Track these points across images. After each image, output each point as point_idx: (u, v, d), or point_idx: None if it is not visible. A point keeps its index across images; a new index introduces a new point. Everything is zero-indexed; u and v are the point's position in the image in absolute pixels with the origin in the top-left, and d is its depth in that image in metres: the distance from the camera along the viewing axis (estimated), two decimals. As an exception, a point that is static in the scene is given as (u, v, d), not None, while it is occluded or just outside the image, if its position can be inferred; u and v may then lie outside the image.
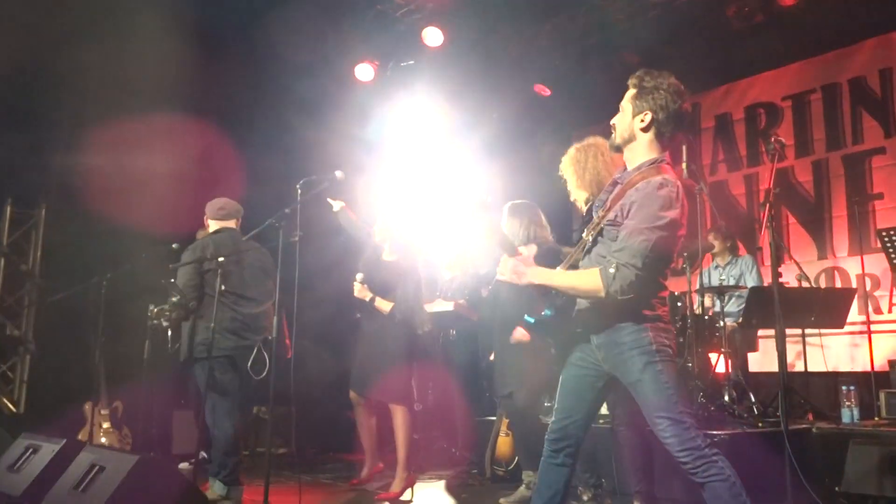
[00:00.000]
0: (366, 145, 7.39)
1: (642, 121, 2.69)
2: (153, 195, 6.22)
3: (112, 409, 6.10)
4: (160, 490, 3.18)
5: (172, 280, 4.31)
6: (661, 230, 2.54)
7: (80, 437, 5.88)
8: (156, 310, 4.30)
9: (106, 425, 6.04)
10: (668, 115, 2.67)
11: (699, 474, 2.50)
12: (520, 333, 4.19)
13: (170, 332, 4.48)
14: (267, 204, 5.10)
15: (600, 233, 2.71)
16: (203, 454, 5.78)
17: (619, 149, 2.80)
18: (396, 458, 4.78)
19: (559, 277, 2.67)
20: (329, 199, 5.11)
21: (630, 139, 2.74)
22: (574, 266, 2.77)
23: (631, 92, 2.74)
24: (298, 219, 3.81)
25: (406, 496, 4.73)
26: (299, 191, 3.85)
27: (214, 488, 4.35)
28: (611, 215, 2.66)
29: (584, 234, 2.79)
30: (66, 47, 5.98)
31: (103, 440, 5.94)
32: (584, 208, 3.76)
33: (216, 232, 4.71)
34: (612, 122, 2.80)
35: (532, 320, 2.75)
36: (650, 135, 2.70)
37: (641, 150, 2.72)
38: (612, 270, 2.53)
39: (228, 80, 6.78)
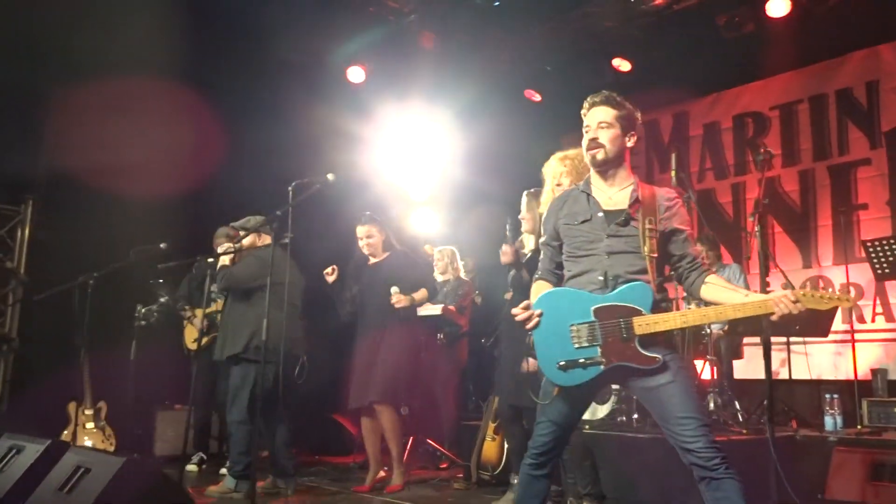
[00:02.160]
0: (357, 146, 7.37)
1: (630, 140, 2.88)
2: (141, 194, 6.18)
3: (96, 409, 6.05)
4: (146, 492, 3.15)
5: (161, 280, 4.31)
6: None
7: (63, 436, 5.84)
8: (144, 310, 4.30)
9: (90, 425, 5.99)
10: (638, 137, 2.93)
11: (719, 471, 2.55)
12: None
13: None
14: (256, 205, 5.13)
15: (658, 243, 2.76)
16: (202, 454, 5.88)
17: (603, 164, 2.85)
18: (391, 456, 4.95)
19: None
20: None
21: (620, 156, 2.88)
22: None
23: (613, 112, 2.87)
24: (290, 221, 3.81)
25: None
26: (291, 192, 3.84)
27: (226, 483, 4.63)
28: (664, 224, 2.79)
29: (604, 236, 2.81)
30: (52, 43, 5.96)
31: (87, 440, 5.89)
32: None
33: (267, 246, 4.68)
34: (595, 138, 2.85)
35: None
36: (628, 153, 2.91)
37: (625, 168, 2.90)
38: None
39: (219, 81, 6.75)
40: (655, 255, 2.72)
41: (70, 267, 5.55)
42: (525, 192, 4.42)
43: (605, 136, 2.83)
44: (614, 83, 7.19)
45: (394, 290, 4.87)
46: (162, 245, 5.23)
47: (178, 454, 6.15)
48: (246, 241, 4.74)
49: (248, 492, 4.57)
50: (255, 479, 4.64)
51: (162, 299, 4.23)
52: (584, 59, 7.27)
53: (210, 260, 4.25)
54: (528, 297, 2.92)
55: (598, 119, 2.86)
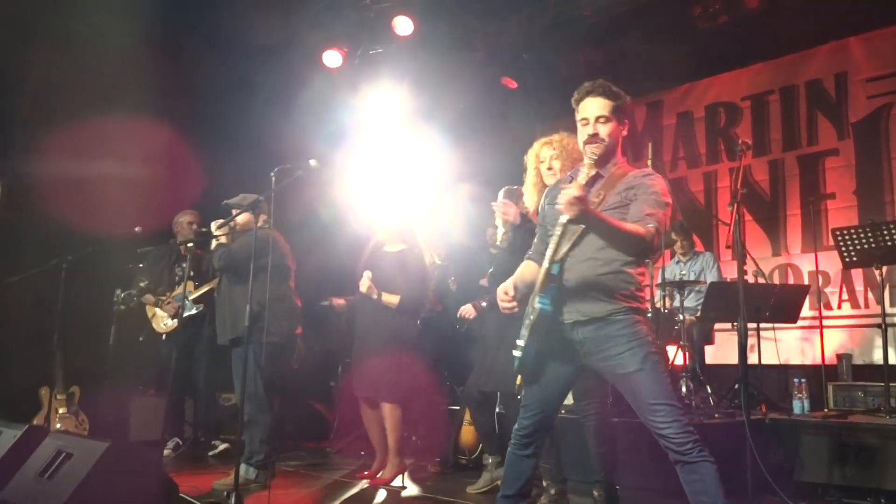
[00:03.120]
0: (332, 132, 7.34)
1: (624, 130, 2.92)
2: (116, 177, 6.10)
3: (69, 393, 5.99)
4: (131, 478, 3.15)
5: (141, 265, 4.26)
6: (665, 209, 2.76)
7: (35, 422, 5.78)
8: (123, 294, 4.25)
9: (62, 410, 5.94)
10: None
11: (692, 455, 2.62)
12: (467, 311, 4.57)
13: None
14: (229, 190, 5.08)
15: None
16: (177, 440, 5.84)
17: (602, 158, 2.83)
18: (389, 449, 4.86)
19: (611, 220, 2.65)
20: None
21: (616, 146, 2.91)
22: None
23: (611, 104, 2.85)
24: (272, 207, 3.80)
25: (397, 482, 4.78)
26: (273, 178, 3.83)
27: (244, 472, 4.47)
28: (613, 199, 2.79)
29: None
30: (26, 25, 5.84)
31: (59, 426, 5.84)
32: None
33: (263, 226, 4.49)
34: (595, 133, 2.83)
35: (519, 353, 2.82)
36: (621, 140, 2.93)
37: (614, 153, 2.91)
38: (652, 227, 2.67)
39: (193, 65, 6.67)
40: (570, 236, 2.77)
41: (42, 250, 5.48)
42: (504, 189, 4.51)
43: (605, 131, 2.83)
44: (589, 72, 7.25)
45: (367, 274, 4.79)
46: (137, 229, 5.19)
47: (153, 440, 6.16)
48: (240, 220, 4.59)
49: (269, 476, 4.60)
50: (274, 465, 4.73)
51: (142, 283, 4.19)
52: (561, 47, 7.30)
53: (190, 244, 4.19)
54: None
55: (597, 113, 2.83)
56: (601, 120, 2.83)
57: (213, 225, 4.57)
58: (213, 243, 4.58)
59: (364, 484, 4.82)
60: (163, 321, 6.02)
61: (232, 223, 4.50)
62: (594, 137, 2.82)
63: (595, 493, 3.71)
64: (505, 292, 2.87)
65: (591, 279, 2.75)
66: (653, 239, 2.67)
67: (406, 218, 5.03)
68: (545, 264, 2.75)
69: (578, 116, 2.90)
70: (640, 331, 2.74)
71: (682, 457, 2.64)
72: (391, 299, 4.74)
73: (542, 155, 3.74)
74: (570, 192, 2.52)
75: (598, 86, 2.86)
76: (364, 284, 4.77)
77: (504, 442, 3.05)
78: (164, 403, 4.47)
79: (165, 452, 5.85)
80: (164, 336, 6.00)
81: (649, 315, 5.38)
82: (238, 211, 4.40)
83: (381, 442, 4.98)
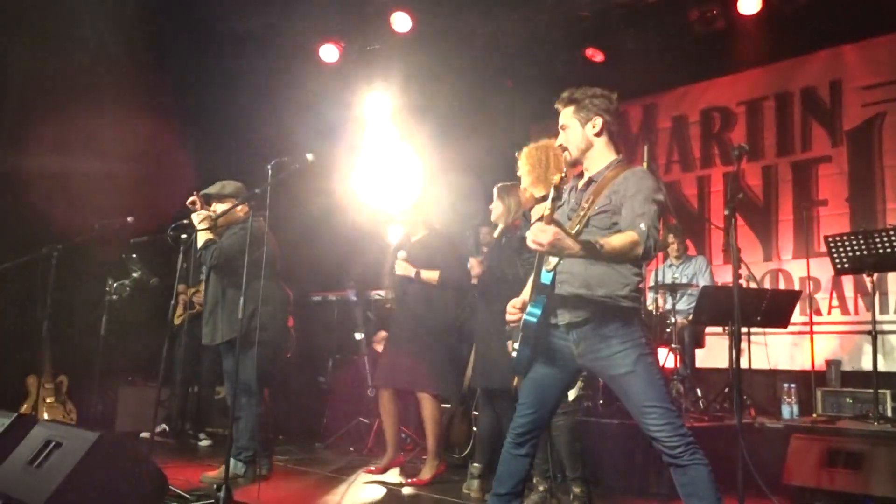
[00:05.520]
0: (327, 126, 7.31)
1: (594, 126, 2.89)
2: (108, 167, 6.06)
3: (57, 383, 5.96)
4: (121, 469, 3.13)
5: (134, 255, 4.22)
6: (659, 206, 2.70)
7: (22, 410, 5.75)
8: (116, 284, 4.21)
9: (50, 399, 5.91)
10: (611, 115, 2.90)
11: (684, 458, 2.63)
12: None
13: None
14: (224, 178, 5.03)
15: (586, 223, 2.77)
16: (164, 426, 5.80)
17: (576, 163, 2.94)
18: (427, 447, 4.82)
19: (593, 242, 2.59)
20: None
21: (587, 148, 2.91)
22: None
23: (568, 109, 2.91)
24: (269, 200, 3.78)
25: (391, 478, 4.79)
26: (270, 172, 3.80)
27: (233, 467, 4.42)
28: (601, 202, 2.76)
29: (567, 220, 2.84)
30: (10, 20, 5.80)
31: (46, 415, 5.81)
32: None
33: (253, 216, 4.23)
34: (558, 144, 2.95)
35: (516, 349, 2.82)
36: (604, 137, 2.90)
37: (602, 154, 2.90)
38: (643, 228, 2.62)
39: (189, 58, 6.64)
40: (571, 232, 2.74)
41: (33, 238, 5.43)
42: (497, 185, 4.55)
43: (564, 138, 2.93)
44: (586, 73, 7.27)
45: (401, 254, 4.78)
46: (129, 219, 5.13)
47: (141, 430, 6.14)
48: (222, 210, 4.42)
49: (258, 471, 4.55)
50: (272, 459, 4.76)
51: (135, 274, 4.15)
52: (558, 47, 7.30)
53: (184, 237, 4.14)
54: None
55: (560, 123, 2.95)
56: (563, 128, 2.93)
57: (196, 217, 4.38)
58: (200, 238, 4.42)
59: (359, 478, 4.80)
60: (178, 313, 6.05)
61: (218, 215, 4.36)
62: (561, 147, 2.96)
63: (575, 489, 3.73)
64: (513, 305, 2.91)
65: (585, 280, 2.75)
66: (647, 239, 2.61)
67: (423, 206, 5.03)
68: (533, 274, 2.76)
69: None
70: (633, 332, 2.73)
71: (674, 459, 2.65)
72: (430, 275, 4.72)
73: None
74: (533, 232, 2.50)
75: (558, 101, 2.96)
76: (400, 266, 4.74)
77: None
78: (156, 394, 4.38)
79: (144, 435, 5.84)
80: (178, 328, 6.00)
81: (643, 318, 5.39)
82: (233, 203, 4.30)
83: (393, 437, 4.92)
